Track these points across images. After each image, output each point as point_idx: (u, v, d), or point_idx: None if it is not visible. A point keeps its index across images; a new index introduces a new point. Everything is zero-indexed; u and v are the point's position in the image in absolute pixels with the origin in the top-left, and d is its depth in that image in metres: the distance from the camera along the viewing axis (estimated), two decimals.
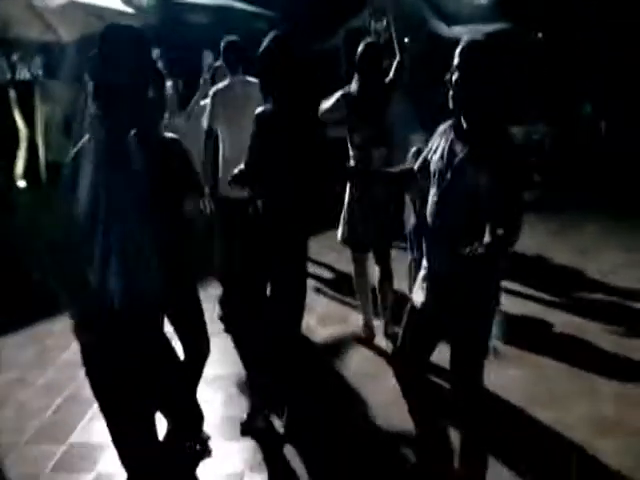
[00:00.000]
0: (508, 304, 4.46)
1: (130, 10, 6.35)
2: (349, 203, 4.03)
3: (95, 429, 3.26)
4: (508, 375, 3.70)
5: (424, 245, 2.58)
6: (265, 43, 3.01)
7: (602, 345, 4.12)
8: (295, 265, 3.15)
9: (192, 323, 2.95)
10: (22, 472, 2.99)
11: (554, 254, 6.01)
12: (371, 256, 4.16)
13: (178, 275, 2.58)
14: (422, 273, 2.58)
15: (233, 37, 4.55)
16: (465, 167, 2.33)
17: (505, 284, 4.86)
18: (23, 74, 8.88)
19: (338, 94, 3.93)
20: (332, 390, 3.75)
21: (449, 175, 2.38)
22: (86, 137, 2.00)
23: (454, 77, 2.35)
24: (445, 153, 2.43)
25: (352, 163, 3.92)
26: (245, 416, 3.31)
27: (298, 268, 3.17)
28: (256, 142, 3.07)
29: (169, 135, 2.82)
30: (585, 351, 4.08)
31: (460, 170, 2.34)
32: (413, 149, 4.72)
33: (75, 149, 2.00)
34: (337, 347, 4.25)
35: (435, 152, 2.51)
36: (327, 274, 5.64)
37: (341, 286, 5.17)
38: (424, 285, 2.53)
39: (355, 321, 4.41)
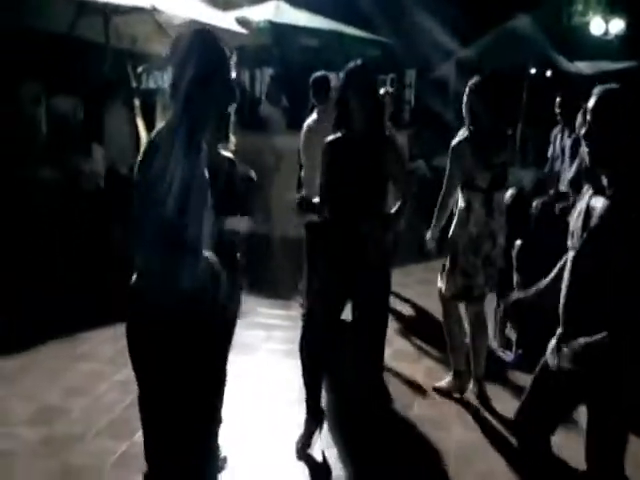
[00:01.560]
0: None
1: (244, 31, 6.61)
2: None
3: None
4: None
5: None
6: (344, 74, 3.10)
7: None
8: (378, 290, 3.19)
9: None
10: (84, 464, 3.14)
11: None
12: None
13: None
14: (558, 332, 2.40)
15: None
16: (603, 225, 2.17)
17: None
18: (148, 84, 9.54)
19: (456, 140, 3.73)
20: (391, 431, 3.63)
21: (585, 235, 2.24)
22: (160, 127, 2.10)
23: (586, 132, 2.24)
24: (583, 211, 2.29)
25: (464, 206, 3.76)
26: (300, 438, 3.34)
27: (381, 293, 3.21)
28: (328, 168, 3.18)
29: (226, 154, 2.88)
30: None
31: (597, 229, 2.19)
32: (510, 191, 4.57)
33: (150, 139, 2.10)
34: (406, 385, 4.14)
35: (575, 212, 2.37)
36: (408, 308, 5.55)
37: (420, 322, 5.06)
38: (562, 347, 2.35)
39: (427, 362, 4.33)
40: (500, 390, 4.01)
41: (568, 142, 5.59)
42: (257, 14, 8.17)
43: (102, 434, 3.41)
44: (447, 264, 3.80)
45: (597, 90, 2.25)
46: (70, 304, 4.82)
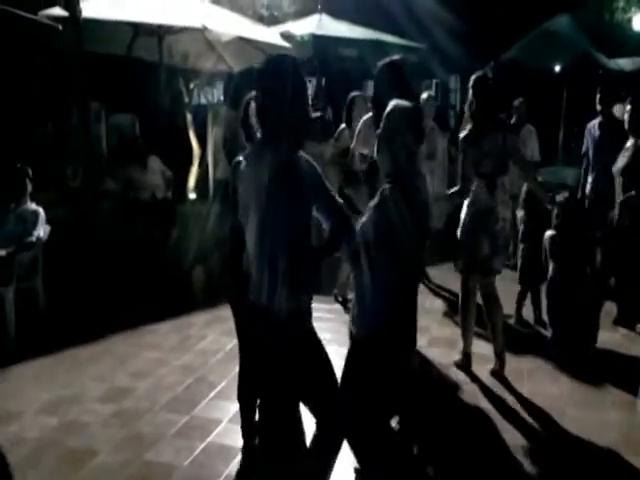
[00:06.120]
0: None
1: (288, 45, 7.02)
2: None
3: (215, 406, 3.80)
4: (606, 418, 3.71)
5: None
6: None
7: None
8: None
9: None
10: (150, 432, 3.55)
11: None
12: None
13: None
14: None
15: None
16: None
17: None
18: (199, 99, 10.08)
19: None
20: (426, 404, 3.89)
21: None
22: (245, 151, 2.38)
23: None
24: None
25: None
26: None
27: None
28: None
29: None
30: None
31: None
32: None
33: (235, 161, 2.41)
34: (439, 368, 4.42)
35: None
36: (446, 300, 5.87)
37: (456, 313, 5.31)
38: None
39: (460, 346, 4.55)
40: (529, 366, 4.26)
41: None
42: (300, 28, 8.59)
43: (165, 409, 3.82)
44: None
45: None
46: (137, 301, 5.41)
